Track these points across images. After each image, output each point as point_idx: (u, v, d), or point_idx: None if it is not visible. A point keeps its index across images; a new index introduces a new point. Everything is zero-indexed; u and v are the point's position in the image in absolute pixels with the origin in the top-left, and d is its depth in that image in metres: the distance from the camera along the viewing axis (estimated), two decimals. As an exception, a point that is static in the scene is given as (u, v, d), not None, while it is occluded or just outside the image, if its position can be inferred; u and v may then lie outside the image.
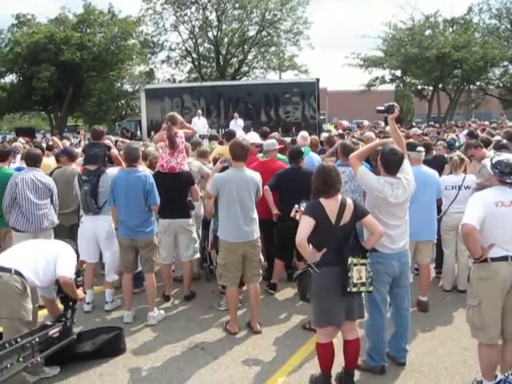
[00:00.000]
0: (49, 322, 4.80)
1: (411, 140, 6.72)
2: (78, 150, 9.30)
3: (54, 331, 4.71)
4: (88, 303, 6.65)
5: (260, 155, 8.02)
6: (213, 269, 6.90)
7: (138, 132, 27.06)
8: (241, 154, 5.78)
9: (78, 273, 5.02)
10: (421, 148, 6.42)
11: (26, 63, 31.06)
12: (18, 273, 4.59)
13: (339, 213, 4.45)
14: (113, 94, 38.96)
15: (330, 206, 4.46)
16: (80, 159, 8.11)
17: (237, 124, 19.41)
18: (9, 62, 31.44)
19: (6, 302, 4.52)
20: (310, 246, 4.46)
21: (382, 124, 32.33)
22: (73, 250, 5.10)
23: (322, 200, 4.47)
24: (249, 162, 6.36)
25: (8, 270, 4.57)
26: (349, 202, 4.53)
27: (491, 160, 4.53)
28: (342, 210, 4.45)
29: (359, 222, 4.57)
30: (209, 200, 6.32)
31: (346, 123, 36.45)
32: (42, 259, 4.81)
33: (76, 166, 7.71)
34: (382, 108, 5.15)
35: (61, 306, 5.20)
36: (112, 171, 6.73)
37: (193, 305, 6.82)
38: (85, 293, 5.25)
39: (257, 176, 5.87)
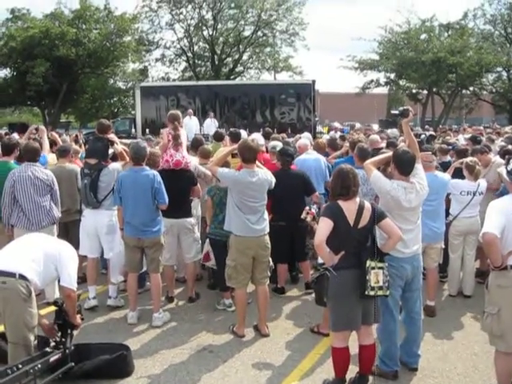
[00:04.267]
0: (48, 349, 4.54)
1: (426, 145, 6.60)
2: (77, 147, 9.22)
3: (54, 358, 4.46)
4: (94, 297, 6.57)
5: None
6: (215, 270, 6.80)
7: (133, 130, 26.87)
8: (251, 156, 5.68)
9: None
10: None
11: (20, 58, 30.73)
12: (22, 277, 4.33)
13: (357, 215, 4.39)
14: (106, 91, 38.77)
15: (349, 208, 4.40)
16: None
17: (212, 123, 19.23)
18: (3, 57, 31.01)
19: (11, 307, 4.31)
20: (327, 248, 4.39)
21: (374, 127, 32.32)
22: (74, 250, 4.86)
23: (341, 202, 4.41)
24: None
25: (12, 275, 4.29)
26: (367, 204, 4.47)
27: (507, 167, 4.48)
28: (360, 213, 4.40)
29: (377, 224, 4.51)
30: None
31: (337, 125, 36.33)
32: (41, 259, 4.53)
33: (74, 164, 7.63)
34: (397, 112, 5.13)
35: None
36: (115, 166, 6.65)
37: (197, 306, 6.72)
38: (82, 319, 4.90)
39: (270, 176, 5.80)
